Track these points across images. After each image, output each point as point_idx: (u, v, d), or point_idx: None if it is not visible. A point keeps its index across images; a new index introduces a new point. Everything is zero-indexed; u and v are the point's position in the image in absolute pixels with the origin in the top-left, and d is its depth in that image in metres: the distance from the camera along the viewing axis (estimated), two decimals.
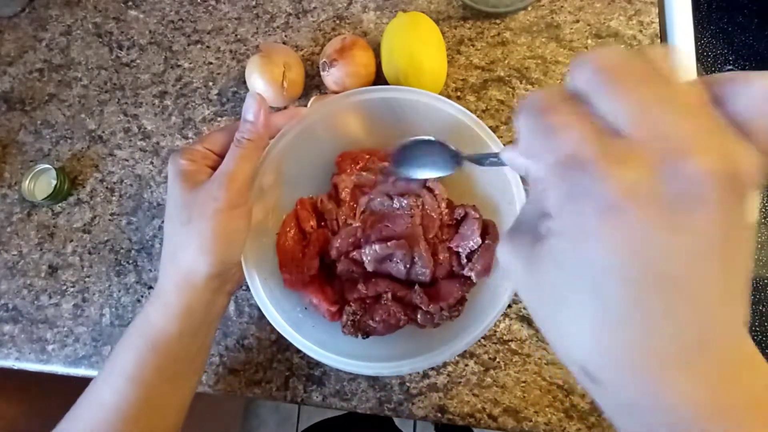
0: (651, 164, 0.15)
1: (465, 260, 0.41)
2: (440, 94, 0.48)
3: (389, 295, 0.41)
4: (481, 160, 0.33)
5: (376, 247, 0.40)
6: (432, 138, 0.36)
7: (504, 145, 0.40)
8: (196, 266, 0.35)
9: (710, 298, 0.16)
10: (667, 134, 0.15)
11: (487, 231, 0.40)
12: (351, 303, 0.41)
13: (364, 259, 0.40)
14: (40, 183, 0.54)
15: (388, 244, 0.40)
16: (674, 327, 0.16)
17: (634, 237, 0.15)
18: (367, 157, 0.44)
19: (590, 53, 0.17)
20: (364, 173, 0.43)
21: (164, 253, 0.37)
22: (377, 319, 0.40)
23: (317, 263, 0.42)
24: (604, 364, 0.17)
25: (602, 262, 0.16)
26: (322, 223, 0.44)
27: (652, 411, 0.17)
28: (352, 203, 0.43)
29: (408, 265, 0.41)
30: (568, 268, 0.17)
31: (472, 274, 0.40)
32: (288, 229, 0.43)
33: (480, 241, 0.39)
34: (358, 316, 0.40)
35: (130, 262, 0.51)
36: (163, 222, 0.52)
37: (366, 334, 0.40)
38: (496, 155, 0.31)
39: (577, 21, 0.53)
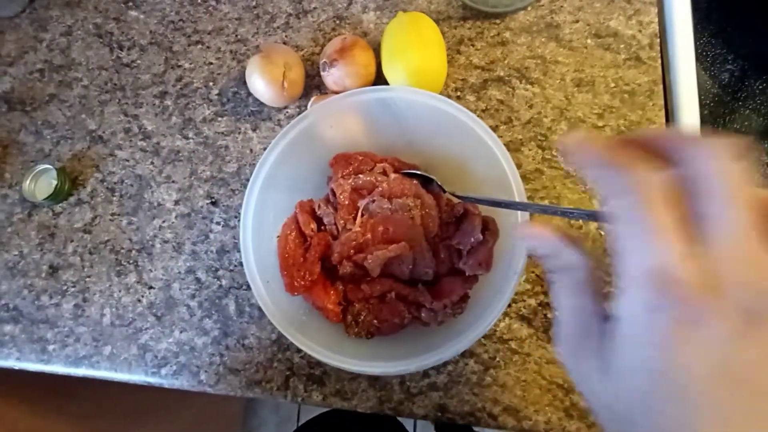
0: (728, 288, 0.18)
1: (466, 257, 0.41)
2: (440, 94, 0.48)
3: (393, 294, 0.41)
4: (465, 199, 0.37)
5: (379, 254, 0.40)
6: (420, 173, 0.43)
7: (502, 143, 0.40)
8: None
9: None
10: (741, 260, 0.19)
11: (488, 227, 0.40)
12: (355, 303, 0.41)
13: (368, 266, 0.40)
14: (41, 183, 0.54)
15: (390, 248, 0.40)
16: (749, 422, 0.18)
17: (713, 347, 0.18)
18: (361, 158, 0.44)
19: (718, 145, 0.19)
20: (361, 176, 0.43)
21: None
22: (381, 318, 0.40)
23: (318, 268, 0.42)
24: None
25: (684, 367, 0.18)
26: (322, 227, 0.44)
27: None
28: (350, 206, 0.43)
29: (411, 266, 0.41)
30: (650, 374, 0.19)
31: (466, 268, 0.40)
32: (288, 232, 0.43)
33: (481, 237, 0.40)
34: (363, 317, 0.40)
35: (131, 262, 0.52)
36: (163, 222, 0.52)
37: (370, 335, 0.40)
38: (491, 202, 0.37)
39: (577, 21, 0.53)
